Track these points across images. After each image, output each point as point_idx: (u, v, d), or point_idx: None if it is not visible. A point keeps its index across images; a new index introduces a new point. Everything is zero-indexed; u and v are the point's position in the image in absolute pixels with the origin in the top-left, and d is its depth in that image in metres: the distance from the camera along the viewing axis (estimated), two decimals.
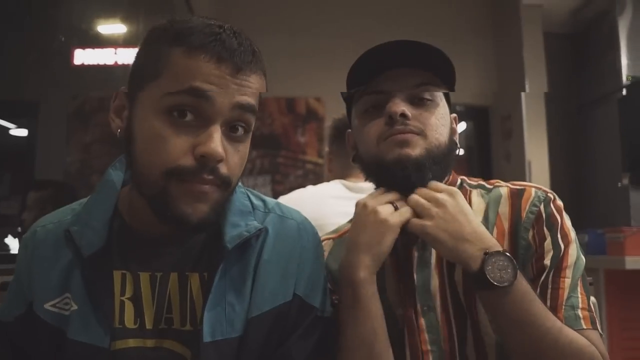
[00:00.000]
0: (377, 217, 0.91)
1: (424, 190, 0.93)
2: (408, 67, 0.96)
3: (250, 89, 0.79)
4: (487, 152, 4.22)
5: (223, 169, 0.79)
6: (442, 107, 0.99)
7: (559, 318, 0.87)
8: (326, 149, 2.10)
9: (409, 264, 0.98)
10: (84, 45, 3.75)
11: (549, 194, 0.97)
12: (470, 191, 1.02)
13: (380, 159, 0.96)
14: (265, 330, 0.84)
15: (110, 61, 3.75)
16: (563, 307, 0.89)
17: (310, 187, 1.88)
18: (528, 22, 3.80)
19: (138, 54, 0.83)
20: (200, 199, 0.78)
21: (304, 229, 0.92)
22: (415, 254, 0.98)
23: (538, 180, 3.60)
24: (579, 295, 0.90)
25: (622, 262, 2.77)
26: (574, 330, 0.86)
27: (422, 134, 0.95)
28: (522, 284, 0.85)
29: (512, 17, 3.89)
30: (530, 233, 0.94)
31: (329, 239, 1.09)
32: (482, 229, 0.89)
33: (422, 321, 0.95)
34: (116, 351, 0.83)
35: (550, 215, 0.95)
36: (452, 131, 1.02)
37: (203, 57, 0.76)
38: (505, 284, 0.83)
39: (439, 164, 0.95)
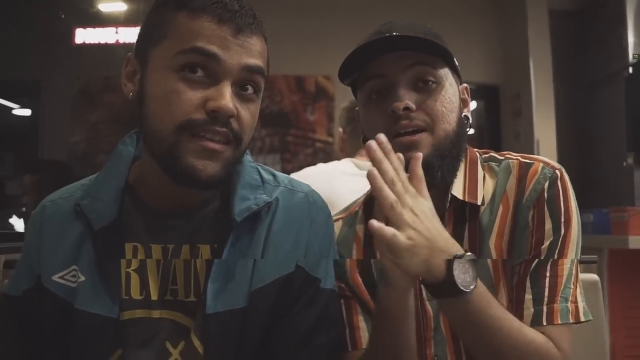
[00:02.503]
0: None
1: (395, 187, 0.79)
2: (402, 50, 0.93)
3: (253, 51, 0.82)
4: (497, 130, 4.20)
5: (235, 124, 0.81)
6: (449, 87, 0.95)
7: (554, 309, 0.86)
8: (339, 129, 2.12)
9: None
10: (85, 25, 3.72)
11: (556, 171, 0.93)
12: (484, 166, 1.00)
13: None
14: (269, 301, 0.85)
15: (111, 40, 3.73)
16: (559, 298, 0.87)
17: (321, 165, 1.91)
18: None
19: (145, 21, 0.87)
20: (211, 156, 0.80)
21: (314, 202, 0.94)
22: None
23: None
24: (571, 286, 0.88)
25: (626, 241, 2.77)
26: (547, 326, 0.85)
27: (428, 128, 0.92)
28: (481, 285, 0.81)
29: None
30: (531, 213, 0.91)
31: (338, 219, 1.08)
32: (447, 233, 0.82)
33: (429, 308, 0.95)
34: (123, 321, 0.85)
35: (554, 196, 0.91)
36: (464, 103, 0.99)
37: (205, 17, 0.80)
38: (471, 287, 0.78)
39: (448, 156, 0.93)
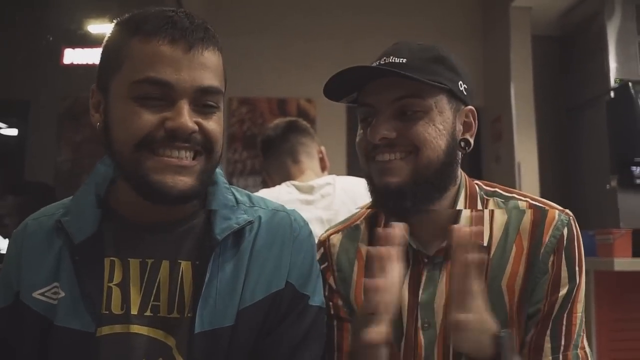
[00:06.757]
0: None
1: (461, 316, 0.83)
2: (393, 76, 0.92)
3: (206, 67, 0.83)
4: (477, 153, 4.22)
5: (199, 136, 0.83)
6: (438, 115, 0.93)
7: (567, 357, 0.90)
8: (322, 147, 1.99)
9: (417, 282, 0.97)
10: (73, 45, 3.73)
11: (571, 218, 0.97)
12: (488, 200, 0.99)
13: (370, 179, 0.97)
14: (257, 318, 0.86)
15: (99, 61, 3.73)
16: (572, 346, 0.91)
17: (263, 190, 1.81)
18: (517, 25, 3.82)
19: (102, 51, 0.88)
20: (180, 171, 0.81)
21: (296, 220, 0.96)
22: (425, 273, 0.97)
23: (528, 182, 3.62)
24: (582, 333, 0.92)
25: (611, 263, 2.79)
26: None
27: (413, 152, 0.92)
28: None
29: (501, 19, 3.91)
30: (551, 259, 0.93)
31: (338, 230, 1.08)
32: (488, 314, 0.85)
33: (421, 337, 0.95)
34: (101, 337, 0.84)
35: (570, 242, 0.94)
36: (467, 126, 0.99)
37: (157, 40, 0.81)
38: (515, 357, 0.84)
39: (425, 184, 0.92)
